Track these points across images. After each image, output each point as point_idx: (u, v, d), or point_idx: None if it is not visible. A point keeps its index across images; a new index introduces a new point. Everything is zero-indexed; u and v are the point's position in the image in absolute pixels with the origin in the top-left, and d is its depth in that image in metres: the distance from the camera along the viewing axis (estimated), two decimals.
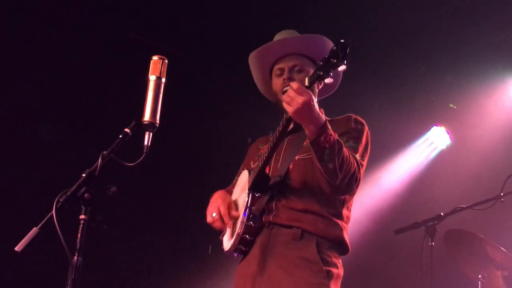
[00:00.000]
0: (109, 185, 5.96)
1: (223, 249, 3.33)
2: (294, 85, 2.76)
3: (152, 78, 2.59)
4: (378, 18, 5.94)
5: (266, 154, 3.10)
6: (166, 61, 2.63)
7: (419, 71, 6.62)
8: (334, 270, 3.06)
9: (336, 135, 2.89)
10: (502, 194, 4.70)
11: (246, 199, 3.14)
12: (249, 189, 3.15)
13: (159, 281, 6.24)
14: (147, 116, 2.54)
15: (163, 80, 2.60)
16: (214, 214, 3.27)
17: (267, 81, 3.49)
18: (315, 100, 2.81)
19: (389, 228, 5.48)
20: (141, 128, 2.55)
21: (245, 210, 3.12)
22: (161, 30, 6.21)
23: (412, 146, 6.95)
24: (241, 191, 3.31)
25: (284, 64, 3.32)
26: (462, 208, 4.82)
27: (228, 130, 6.81)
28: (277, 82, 3.32)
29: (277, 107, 3.26)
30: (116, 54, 5.99)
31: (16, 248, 2.35)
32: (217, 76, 6.82)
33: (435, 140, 6.87)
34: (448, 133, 6.79)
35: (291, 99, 2.74)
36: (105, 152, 2.48)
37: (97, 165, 2.44)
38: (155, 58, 2.63)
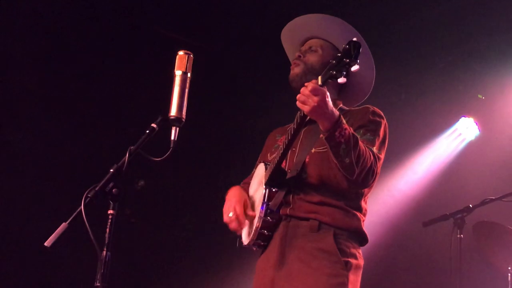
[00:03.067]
0: (137, 179, 6.00)
1: (241, 243, 3.35)
2: (309, 85, 2.78)
3: (178, 73, 2.61)
4: (406, 7, 5.89)
5: (282, 150, 3.11)
6: (192, 56, 2.64)
7: (447, 61, 6.56)
8: (353, 261, 3.05)
9: (352, 129, 2.89)
10: None
11: (263, 194, 3.16)
12: (265, 184, 3.17)
13: (187, 274, 6.27)
14: (173, 111, 2.56)
15: (189, 75, 2.61)
16: (230, 214, 3.28)
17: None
18: (329, 96, 2.81)
19: (417, 221, 5.45)
20: (168, 123, 2.57)
21: (262, 205, 3.14)
22: (186, 24, 6.21)
23: (440, 138, 6.89)
24: (258, 185, 3.33)
25: (304, 46, 3.38)
26: (491, 200, 4.79)
27: (254, 123, 6.80)
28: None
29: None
30: (142, 49, 6.01)
31: (45, 244, 2.37)
32: (242, 69, 6.81)
33: (463, 131, 6.81)
34: (476, 124, 6.72)
35: (306, 99, 2.77)
36: (132, 147, 2.50)
37: (124, 160, 2.46)
38: (181, 53, 2.64)
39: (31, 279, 5.22)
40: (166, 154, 2.52)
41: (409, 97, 6.70)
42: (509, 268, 4.77)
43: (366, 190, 3.19)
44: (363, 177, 2.93)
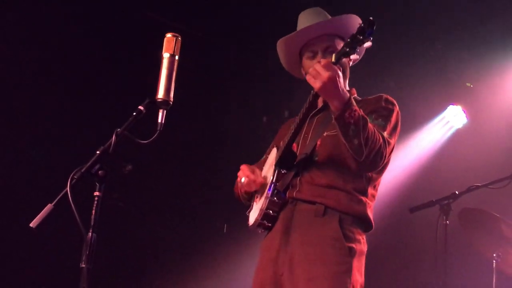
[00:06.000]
0: (125, 163, 5.99)
1: (248, 224, 3.37)
2: (322, 61, 2.82)
3: (165, 55, 2.61)
4: None
5: (293, 130, 3.13)
6: (180, 39, 2.64)
7: (436, 49, 6.58)
8: (357, 246, 3.06)
9: (361, 111, 2.91)
10: None
11: (272, 174, 3.18)
12: (275, 165, 3.19)
13: (174, 258, 6.28)
14: (160, 94, 2.56)
15: (177, 57, 2.61)
16: (243, 179, 3.30)
17: (295, 61, 3.49)
18: (346, 78, 2.82)
19: (404, 207, 5.48)
20: (155, 106, 2.57)
21: (270, 186, 3.16)
22: (176, 9, 6.19)
23: (428, 125, 6.92)
24: (269, 168, 3.34)
25: (317, 47, 3.32)
26: (477, 187, 4.81)
27: (243, 109, 6.81)
28: (309, 65, 3.26)
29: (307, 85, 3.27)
30: (131, 32, 5.99)
31: (31, 224, 2.37)
32: (232, 55, 6.81)
33: (451, 119, 6.84)
34: (464, 112, 6.76)
35: (317, 74, 2.79)
36: (119, 129, 2.50)
37: (111, 143, 2.47)
38: (168, 35, 2.64)
39: (15, 260, 5.20)
40: (153, 137, 2.52)
41: (398, 85, 6.72)
42: (494, 255, 4.80)
43: (375, 175, 3.21)
44: (372, 159, 2.94)
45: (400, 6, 6.03)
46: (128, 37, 5.96)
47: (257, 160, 3.65)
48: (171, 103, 2.57)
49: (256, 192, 3.40)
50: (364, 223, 3.16)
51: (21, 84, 5.45)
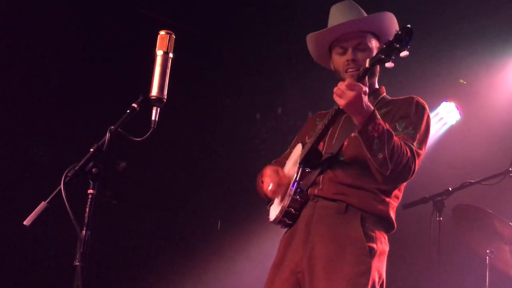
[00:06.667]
0: (118, 161, 5.99)
1: (268, 218, 3.34)
2: (346, 80, 2.84)
3: (159, 53, 2.60)
4: None
5: (320, 131, 3.10)
6: (174, 36, 2.63)
7: (429, 46, 6.58)
8: (378, 246, 3.04)
9: (387, 125, 2.88)
10: (510, 169, 4.70)
11: (296, 172, 3.16)
12: (299, 163, 3.17)
13: (168, 255, 6.28)
14: (154, 91, 2.55)
15: (171, 55, 2.60)
16: (270, 187, 3.24)
17: (325, 54, 3.44)
18: (367, 92, 2.83)
19: None
20: (149, 103, 2.56)
21: (293, 184, 3.13)
22: (169, 7, 6.18)
23: None
24: (293, 165, 3.31)
25: (348, 43, 3.26)
26: (471, 183, 4.83)
27: (237, 106, 6.80)
28: (339, 61, 3.27)
29: (337, 79, 3.24)
30: (124, 30, 5.98)
31: (24, 222, 2.37)
32: (225, 51, 6.80)
33: (444, 116, 6.83)
34: (457, 109, 6.75)
35: (342, 93, 2.78)
36: (112, 127, 2.49)
37: (104, 140, 2.46)
38: (162, 33, 2.63)
39: (8, 258, 5.19)
40: (147, 134, 2.51)
41: (392, 81, 6.71)
42: (487, 251, 4.81)
43: None
44: (398, 173, 2.91)
45: (393, 2, 6.03)
46: (121, 35, 5.95)
47: (252, 158, 3.64)
48: (164, 100, 2.56)
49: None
50: (386, 223, 3.13)
51: (13, 82, 5.43)
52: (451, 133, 6.80)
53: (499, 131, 6.27)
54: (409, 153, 2.93)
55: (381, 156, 2.83)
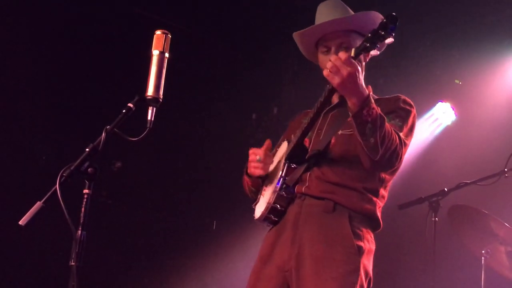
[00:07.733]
0: (114, 161, 5.98)
1: (253, 216, 3.29)
2: (342, 55, 2.72)
3: (155, 53, 2.59)
4: None
5: (306, 125, 3.07)
6: (170, 36, 2.62)
7: (425, 46, 6.59)
8: (366, 245, 3.03)
9: (379, 109, 2.85)
10: (506, 169, 4.72)
11: (281, 168, 3.12)
12: (285, 159, 3.13)
13: (163, 255, 6.28)
14: (150, 91, 2.55)
15: (166, 55, 2.60)
16: (258, 158, 3.21)
17: (313, 51, 3.39)
18: (361, 73, 2.79)
19: (393, 203, 5.48)
20: (144, 103, 2.56)
21: (279, 180, 3.09)
22: (164, 6, 6.18)
23: (417, 122, 6.92)
24: (278, 162, 3.27)
25: (331, 43, 3.22)
26: (466, 184, 4.84)
27: (233, 106, 6.80)
28: (323, 60, 3.21)
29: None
30: (120, 29, 5.97)
31: (20, 222, 2.36)
32: (220, 52, 6.80)
33: (440, 116, 6.85)
34: (453, 109, 6.77)
35: (337, 70, 2.70)
36: (108, 127, 2.48)
37: (100, 140, 2.45)
38: (158, 32, 2.62)
39: (3, 258, 5.18)
40: (143, 134, 2.51)
41: (387, 81, 6.73)
42: (483, 251, 4.81)
43: (388, 176, 3.16)
44: (387, 159, 2.89)
45: (388, 3, 6.03)
46: (117, 34, 5.94)
47: (248, 158, 3.62)
48: (160, 100, 2.55)
49: (263, 184, 3.32)
50: (373, 222, 3.12)
51: (9, 82, 5.42)
52: (447, 133, 6.82)
53: (494, 132, 6.28)
54: (397, 140, 2.92)
55: (372, 141, 2.80)
